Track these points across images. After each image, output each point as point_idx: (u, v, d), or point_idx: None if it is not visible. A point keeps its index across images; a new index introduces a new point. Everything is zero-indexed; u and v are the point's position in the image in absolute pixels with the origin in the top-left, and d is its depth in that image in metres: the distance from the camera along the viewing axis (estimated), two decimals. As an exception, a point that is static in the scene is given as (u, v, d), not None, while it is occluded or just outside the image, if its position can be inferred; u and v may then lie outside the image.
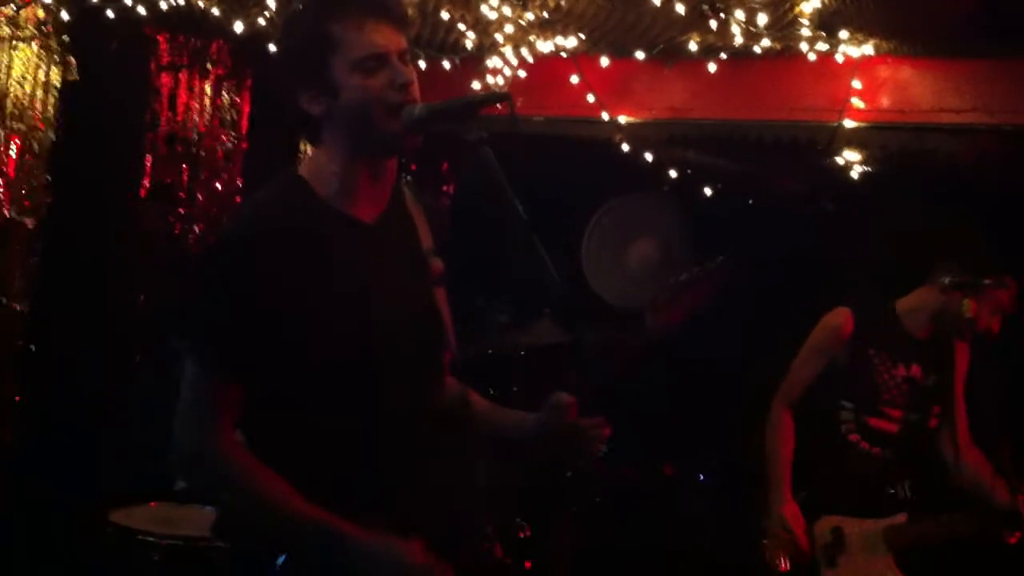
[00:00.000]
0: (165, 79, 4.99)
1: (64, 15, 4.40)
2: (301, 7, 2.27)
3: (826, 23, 4.11)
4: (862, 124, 4.43)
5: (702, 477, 4.95)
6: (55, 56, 4.42)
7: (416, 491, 2.10)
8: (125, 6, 4.41)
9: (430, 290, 2.32)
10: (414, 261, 2.32)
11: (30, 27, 4.33)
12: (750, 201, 6.29)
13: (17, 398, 4.27)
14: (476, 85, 4.75)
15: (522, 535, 3.82)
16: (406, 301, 2.21)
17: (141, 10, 4.42)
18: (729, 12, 4.00)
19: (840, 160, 4.84)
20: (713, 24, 4.11)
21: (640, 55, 4.58)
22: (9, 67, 4.27)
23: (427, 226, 2.40)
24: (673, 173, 5.63)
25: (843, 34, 4.15)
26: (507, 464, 2.50)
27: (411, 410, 2.15)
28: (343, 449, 2.07)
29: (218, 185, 5.19)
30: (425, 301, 2.29)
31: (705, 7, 4.01)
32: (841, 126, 4.42)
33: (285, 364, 2.04)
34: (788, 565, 3.70)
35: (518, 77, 4.74)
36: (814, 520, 3.76)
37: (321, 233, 2.11)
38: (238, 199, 5.27)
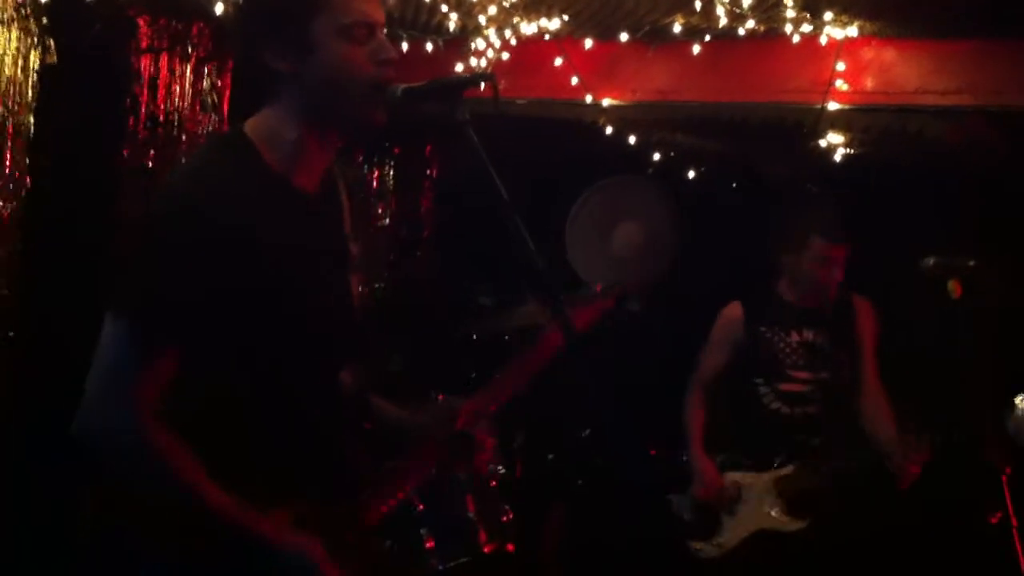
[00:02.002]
0: (145, 62, 4.94)
1: (43, -3, 4.36)
2: None
3: (810, 5, 4.10)
4: (846, 106, 4.43)
5: (684, 459, 4.95)
6: (34, 39, 4.38)
7: (317, 466, 2.10)
8: (104, -12, 4.37)
9: (348, 273, 2.28)
10: (341, 242, 2.28)
11: (9, 9, 4.28)
12: (734, 183, 6.29)
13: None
14: (459, 67, 4.73)
15: (504, 519, 3.82)
16: (333, 281, 2.19)
17: (121, -8, 4.38)
18: (713, -7, 4.00)
19: (824, 142, 4.84)
20: (698, 6, 4.10)
21: (624, 37, 4.56)
22: (-13, 50, 4.24)
23: (350, 206, 2.34)
24: (657, 155, 5.62)
25: (827, 16, 4.14)
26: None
27: (324, 389, 2.15)
28: (260, 421, 2.04)
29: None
30: (346, 283, 2.27)
31: (689, -12, 4.01)
32: (825, 108, 4.42)
33: (218, 333, 1.96)
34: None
35: (501, 59, 4.72)
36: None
37: (265, 200, 2.02)
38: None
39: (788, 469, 4.11)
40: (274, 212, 2.02)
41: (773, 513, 4.09)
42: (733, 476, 4.19)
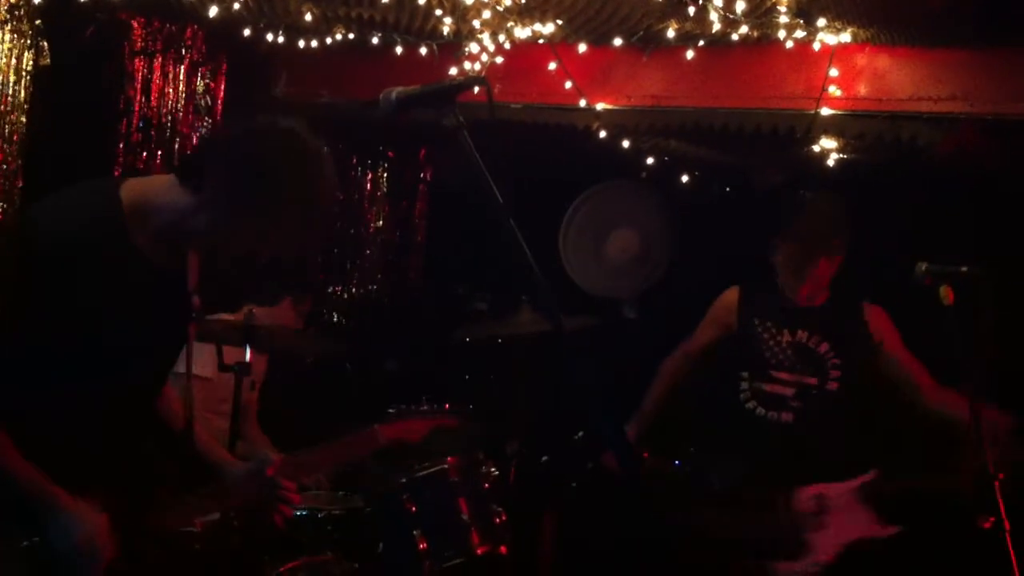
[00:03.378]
0: (139, 64, 4.95)
1: (37, -1, 4.36)
2: (296, 155, 2.39)
3: (804, 11, 4.11)
4: (839, 112, 4.43)
5: (677, 463, 4.95)
6: (28, 40, 4.37)
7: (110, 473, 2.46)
8: (98, -10, 4.37)
9: (183, 325, 2.61)
10: (180, 296, 2.56)
11: (2, 11, 4.28)
12: (727, 189, 6.30)
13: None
14: (453, 71, 4.74)
15: (498, 521, 3.82)
16: (157, 336, 2.48)
17: (115, -6, 4.38)
18: (707, -1, 4.00)
19: (817, 148, 4.85)
20: (691, 11, 4.10)
21: (618, 42, 4.57)
22: (-19, 51, 4.23)
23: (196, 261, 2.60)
24: (651, 161, 5.62)
25: (821, 22, 4.14)
26: None
27: (127, 417, 2.51)
28: (67, 434, 2.37)
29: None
30: (172, 336, 2.60)
31: (683, -6, 4.01)
32: (818, 114, 4.42)
33: (36, 358, 2.27)
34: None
35: (496, 64, 4.72)
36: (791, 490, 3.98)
37: (114, 265, 2.29)
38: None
39: (870, 475, 3.91)
40: (117, 276, 2.32)
41: (864, 521, 3.90)
42: (814, 489, 3.95)
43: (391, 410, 3.73)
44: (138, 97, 4.95)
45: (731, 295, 4.34)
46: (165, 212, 2.33)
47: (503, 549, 3.81)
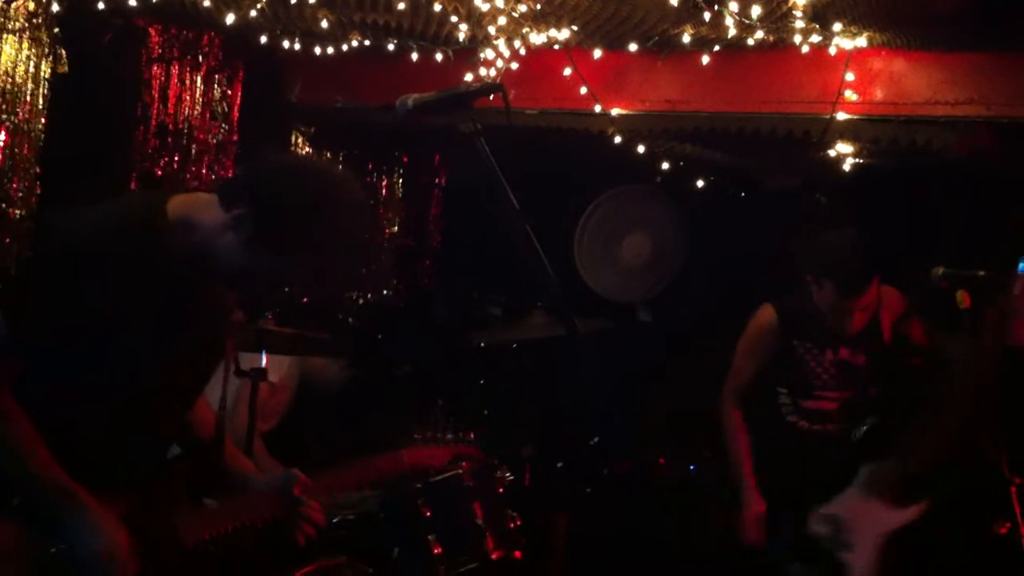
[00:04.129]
0: (156, 71, 4.97)
1: (55, 7, 4.38)
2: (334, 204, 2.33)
3: (819, 15, 4.10)
4: (855, 116, 4.42)
5: (692, 467, 4.95)
6: (45, 48, 4.41)
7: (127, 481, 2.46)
8: (116, -2, 4.40)
9: (220, 338, 2.64)
10: (217, 310, 2.58)
11: (20, 19, 4.31)
12: (743, 193, 6.29)
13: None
14: (469, 77, 4.74)
15: (512, 526, 3.82)
16: (190, 346, 2.49)
17: (132, 2, 4.40)
18: (722, 4, 3.99)
19: (833, 152, 4.84)
20: (706, 16, 4.10)
21: (633, 47, 4.57)
22: (-1, 59, 4.26)
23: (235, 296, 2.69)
24: (666, 166, 5.62)
25: (837, 26, 4.14)
26: None
27: (159, 423, 2.55)
28: (91, 440, 2.38)
29: (209, 177, 5.19)
30: (208, 348, 2.61)
31: (699, -1, 4.01)
32: (834, 118, 4.41)
33: (66, 358, 2.27)
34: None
35: (511, 69, 4.73)
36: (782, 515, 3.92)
37: (149, 273, 2.30)
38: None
39: (864, 472, 3.80)
40: (163, 289, 2.34)
41: (884, 516, 3.76)
42: (819, 514, 3.82)
43: (417, 436, 3.77)
44: (155, 104, 4.97)
45: (768, 317, 4.13)
46: (202, 229, 2.35)
47: (517, 554, 3.80)
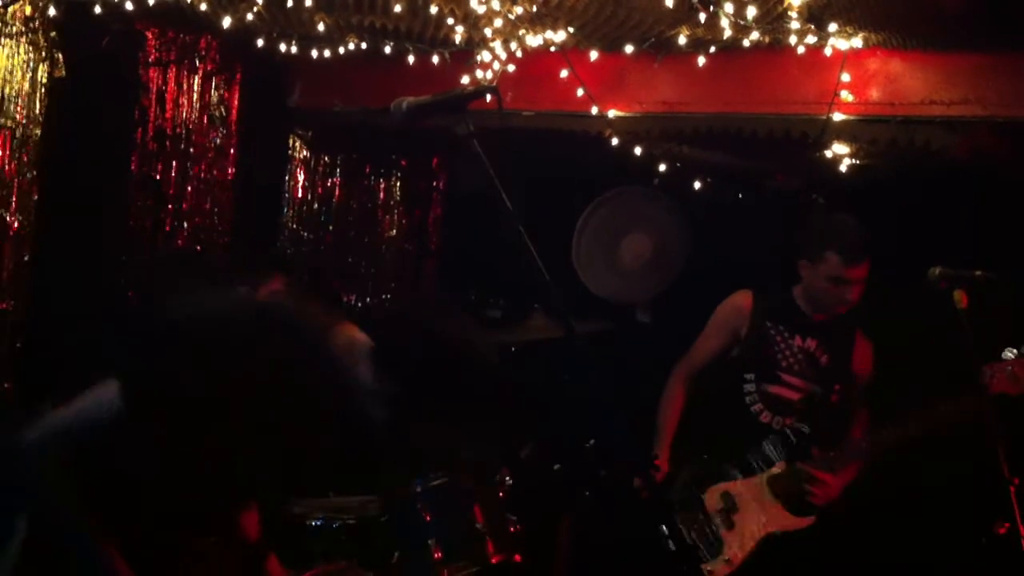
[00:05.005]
0: (154, 75, 4.97)
1: (52, 11, 4.38)
2: None
3: (815, 16, 4.10)
4: (851, 117, 4.42)
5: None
6: (43, 52, 4.41)
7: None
8: (113, 2, 4.39)
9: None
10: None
11: (18, 23, 4.31)
12: (740, 194, 6.29)
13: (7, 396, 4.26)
14: (465, 80, 4.75)
15: (512, 529, 3.82)
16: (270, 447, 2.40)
17: (129, 5, 4.40)
18: (718, 5, 3.99)
19: (829, 153, 4.84)
20: (702, 17, 4.10)
21: (630, 49, 4.57)
22: (-4, 64, 4.27)
23: None
24: (663, 167, 5.62)
25: (832, 27, 4.14)
26: None
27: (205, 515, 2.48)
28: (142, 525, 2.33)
29: (207, 181, 5.19)
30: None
31: (694, 0, 4.01)
32: (831, 119, 4.42)
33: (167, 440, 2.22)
34: None
35: (508, 72, 4.73)
36: (703, 490, 4.09)
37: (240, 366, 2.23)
38: (228, 194, 5.27)
39: (778, 468, 4.03)
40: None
41: (774, 512, 4.00)
42: (718, 488, 4.08)
43: None
44: (153, 107, 4.98)
45: (742, 299, 4.29)
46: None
47: (517, 557, 3.81)
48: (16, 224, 4.31)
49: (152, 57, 4.97)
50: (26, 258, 4.36)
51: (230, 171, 5.30)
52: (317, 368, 2.29)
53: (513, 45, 4.61)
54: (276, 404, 2.25)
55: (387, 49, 4.83)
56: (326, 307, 2.49)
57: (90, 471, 2.24)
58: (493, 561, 3.72)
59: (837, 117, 4.41)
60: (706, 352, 4.33)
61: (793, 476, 3.99)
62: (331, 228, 6.19)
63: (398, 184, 6.56)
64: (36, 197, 4.39)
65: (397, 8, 4.32)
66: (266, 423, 2.28)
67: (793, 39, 4.24)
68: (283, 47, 4.86)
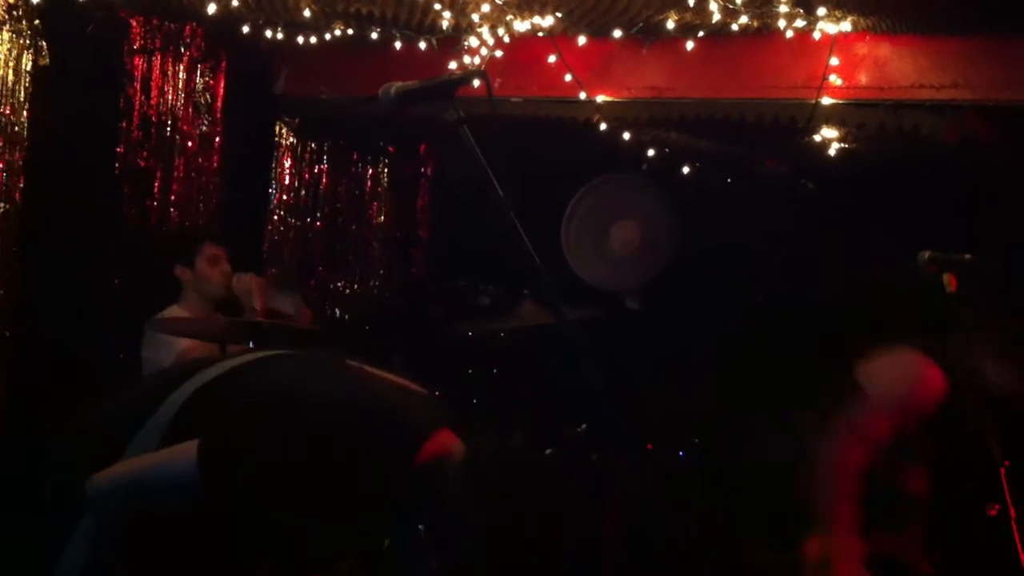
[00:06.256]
0: (139, 62, 4.93)
1: (35, -1, 4.35)
2: None
3: (803, 0, 4.10)
4: (840, 101, 4.42)
5: (681, 454, 4.95)
6: (27, 40, 4.37)
7: None
8: (97, -11, 4.37)
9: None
10: None
11: (1, 11, 4.27)
12: (729, 180, 6.29)
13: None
14: (453, 66, 4.73)
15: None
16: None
17: (113, -7, 4.37)
18: (707, -11, 3.99)
19: (818, 138, 4.84)
20: (691, 2, 4.09)
21: (618, 34, 4.56)
22: (-20, 52, 4.23)
23: None
24: (652, 153, 5.62)
25: (821, 11, 4.13)
26: None
27: None
28: None
29: (193, 168, 5.16)
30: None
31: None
32: (819, 104, 4.41)
33: None
34: None
35: (495, 57, 4.71)
36: None
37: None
38: (214, 182, 5.24)
39: None
40: None
41: None
42: None
43: None
44: (138, 96, 4.94)
45: (937, 380, 3.43)
46: None
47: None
48: (1, 212, 4.28)
49: (137, 45, 4.93)
50: (13, 247, 4.33)
51: (216, 159, 5.27)
52: (400, 482, 2.16)
53: (501, 31, 4.59)
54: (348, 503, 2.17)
55: (373, 36, 4.81)
56: (434, 404, 2.34)
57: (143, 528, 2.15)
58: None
59: (826, 101, 4.41)
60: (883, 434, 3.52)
61: None
62: (318, 215, 6.17)
63: (386, 171, 6.54)
64: (22, 185, 4.36)
65: (383, -7, 4.30)
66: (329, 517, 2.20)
67: (782, 23, 4.24)
68: (268, 34, 4.83)
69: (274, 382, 2.28)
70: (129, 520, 2.11)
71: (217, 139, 5.26)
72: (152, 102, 4.98)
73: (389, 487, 2.13)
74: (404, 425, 2.17)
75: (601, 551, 4.75)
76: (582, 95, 4.76)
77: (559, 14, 4.45)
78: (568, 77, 4.72)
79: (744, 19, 4.22)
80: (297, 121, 5.93)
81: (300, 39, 4.89)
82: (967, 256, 3.49)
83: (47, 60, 4.44)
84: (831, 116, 4.52)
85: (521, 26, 4.53)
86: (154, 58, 4.99)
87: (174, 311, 4.24)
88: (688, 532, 4.75)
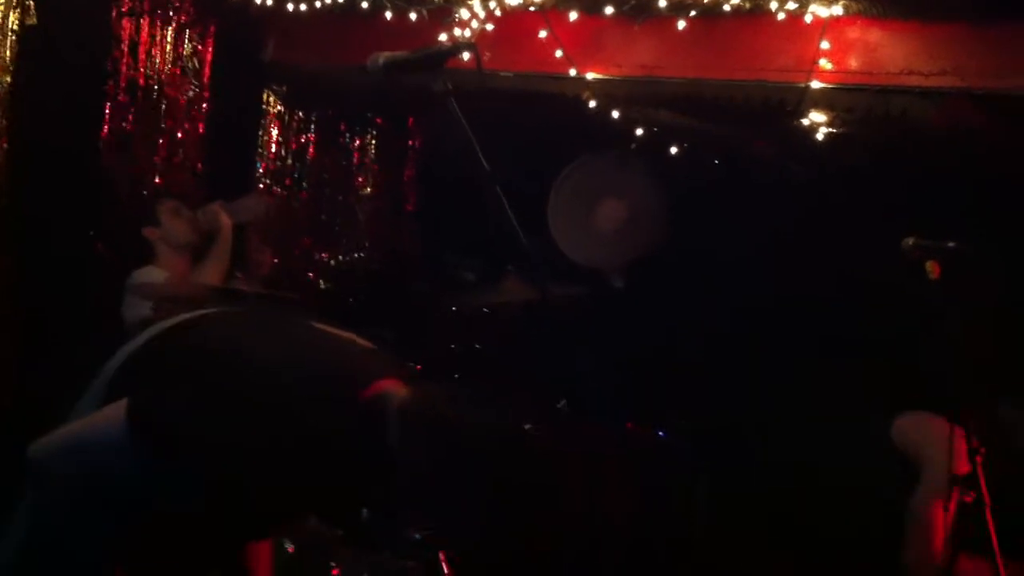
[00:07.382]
0: (126, 25, 4.89)
1: (22, -42, 4.31)
2: None
3: (796, -18, 4.09)
4: (830, 85, 4.41)
5: (661, 434, 4.95)
6: (13, 0, 4.33)
7: None
8: (85, -50, 4.32)
9: None
10: None
11: (-13, -30, 4.23)
12: (716, 161, 6.28)
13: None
14: (443, 37, 4.70)
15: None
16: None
17: (102, -46, 4.33)
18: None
19: (807, 121, 4.84)
20: (684, -20, 4.08)
21: (609, 11, 4.54)
22: (-35, 11, 4.19)
23: None
24: (640, 132, 5.60)
25: (813, -6, 4.13)
26: None
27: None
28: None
29: (179, 134, 5.13)
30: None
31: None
32: (809, 87, 4.41)
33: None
34: None
35: (486, 30, 4.69)
36: None
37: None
38: (200, 148, 5.21)
39: None
40: None
41: None
42: None
43: None
44: (125, 59, 4.90)
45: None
46: None
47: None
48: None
49: (125, 7, 4.89)
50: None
51: (202, 125, 5.23)
52: (342, 430, 2.12)
53: (492, 3, 4.57)
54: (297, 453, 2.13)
55: (364, 4, 4.78)
56: (380, 356, 2.31)
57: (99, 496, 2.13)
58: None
59: (815, 85, 4.40)
60: None
61: None
62: (305, 185, 6.14)
63: (373, 142, 6.52)
64: (6, 146, 4.32)
65: (375, -38, 4.27)
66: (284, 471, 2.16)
67: (774, 5, 4.23)
68: (258, 0, 4.80)
69: (207, 341, 2.28)
70: (74, 487, 2.10)
71: (204, 105, 5.23)
72: (139, 66, 4.95)
73: (332, 440, 2.09)
74: (343, 376, 2.16)
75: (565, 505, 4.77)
76: (572, 71, 4.74)
77: (551, -11, 4.44)
78: (559, 53, 4.70)
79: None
80: (285, 89, 5.90)
81: (290, 6, 4.86)
82: (951, 243, 3.50)
83: (34, 20, 4.39)
84: (820, 100, 4.51)
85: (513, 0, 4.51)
86: (143, 21, 4.95)
87: (150, 271, 4.24)
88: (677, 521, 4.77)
